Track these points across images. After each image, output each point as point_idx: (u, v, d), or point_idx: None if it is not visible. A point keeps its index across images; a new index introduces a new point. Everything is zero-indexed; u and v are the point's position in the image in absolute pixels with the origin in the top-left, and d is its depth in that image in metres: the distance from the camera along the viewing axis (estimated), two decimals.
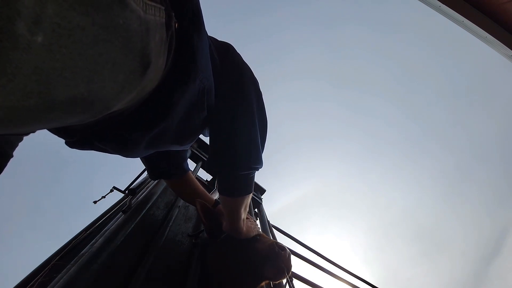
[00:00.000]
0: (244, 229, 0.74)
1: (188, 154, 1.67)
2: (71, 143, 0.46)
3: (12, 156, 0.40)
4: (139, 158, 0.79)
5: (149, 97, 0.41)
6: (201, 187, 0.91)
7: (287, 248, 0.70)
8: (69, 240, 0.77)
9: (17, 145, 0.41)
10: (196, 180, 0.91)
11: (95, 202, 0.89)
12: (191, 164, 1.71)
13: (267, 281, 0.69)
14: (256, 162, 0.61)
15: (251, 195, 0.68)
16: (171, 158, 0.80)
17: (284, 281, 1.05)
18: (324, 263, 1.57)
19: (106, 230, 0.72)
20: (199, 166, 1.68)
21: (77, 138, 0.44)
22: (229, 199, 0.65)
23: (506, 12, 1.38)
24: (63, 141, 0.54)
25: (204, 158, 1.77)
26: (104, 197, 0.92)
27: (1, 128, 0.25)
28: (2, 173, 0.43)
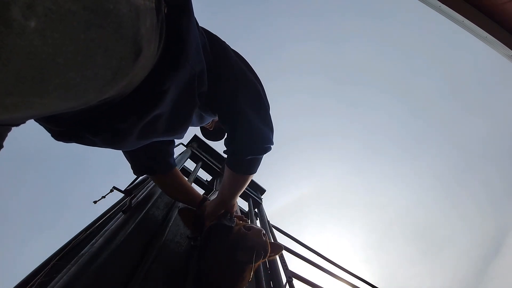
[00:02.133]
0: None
1: (188, 155, 1.67)
2: (58, 134, 0.44)
3: (2, 146, 0.40)
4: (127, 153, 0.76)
5: (140, 84, 0.40)
6: (187, 183, 0.88)
7: (256, 226, 0.68)
8: (69, 240, 0.77)
9: (6, 136, 0.41)
10: (182, 176, 0.88)
11: (95, 202, 0.89)
12: (191, 164, 1.71)
13: (251, 266, 0.67)
14: (269, 142, 0.68)
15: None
16: (156, 153, 0.76)
17: (284, 281, 1.05)
18: (324, 263, 1.58)
19: (106, 230, 0.72)
20: (199, 166, 1.68)
21: (66, 128, 0.43)
22: (242, 177, 0.73)
23: (506, 12, 1.38)
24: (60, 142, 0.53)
25: (204, 158, 1.77)
26: (104, 197, 0.92)
27: None
28: None
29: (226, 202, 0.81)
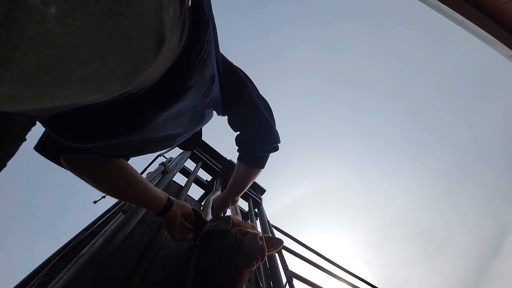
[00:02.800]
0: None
1: (188, 155, 1.67)
2: (81, 133, 0.40)
3: (25, 139, 0.40)
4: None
5: (164, 78, 0.40)
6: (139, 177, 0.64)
7: (252, 230, 0.67)
8: (69, 240, 0.77)
9: (29, 129, 0.40)
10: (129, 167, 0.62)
11: (95, 202, 0.89)
12: (191, 164, 1.71)
13: (249, 269, 0.67)
14: (279, 141, 0.79)
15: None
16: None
17: (284, 281, 1.05)
18: (324, 263, 1.57)
19: (106, 230, 0.72)
20: (199, 166, 1.68)
21: (87, 122, 0.40)
22: (255, 170, 0.83)
23: (506, 12, 1.38)
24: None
25: (204, 158, 1.77)
26: (104, 197, 0.91)
27: (17, 106, 0.24)
28: (6, 167, 0.42)
29: (235, 195, 0.91)
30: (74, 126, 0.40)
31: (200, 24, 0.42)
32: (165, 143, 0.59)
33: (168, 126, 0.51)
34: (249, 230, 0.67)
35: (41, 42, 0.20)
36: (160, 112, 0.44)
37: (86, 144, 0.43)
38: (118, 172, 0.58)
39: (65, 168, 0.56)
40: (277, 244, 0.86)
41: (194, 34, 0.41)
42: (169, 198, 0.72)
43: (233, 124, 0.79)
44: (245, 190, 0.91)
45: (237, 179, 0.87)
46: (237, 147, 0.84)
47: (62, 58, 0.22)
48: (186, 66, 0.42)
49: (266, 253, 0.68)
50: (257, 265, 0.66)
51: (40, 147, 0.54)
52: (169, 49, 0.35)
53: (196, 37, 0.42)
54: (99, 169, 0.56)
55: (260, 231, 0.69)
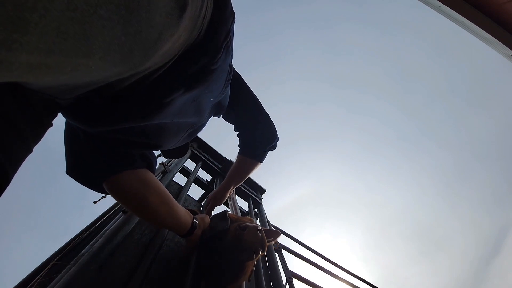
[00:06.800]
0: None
1: (188, 155, 1.67)
2: (97, 111, 0.39)
3: (51, 125, 0.38)
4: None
5: (189, 54, 0.38)
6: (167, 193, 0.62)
7: (250, 224, 0.66)
8: (69, 240, 0.77)
9: (56, 115, 0.38)
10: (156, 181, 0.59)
11: (95, 202, 0.89)
12: (191, 164, 1.71)
13: (250, 263, 0.68)
14: (277, 138, 0.88)
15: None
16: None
17: (284, 281, 1.05)
18: (324, 263, 1.57)
19: (106, 230, 0.72)
20: (199, 166, 1.68)
21: (109, 103, 0.38)
22: (255, 163, 0.91)
23: (506, 12, 1.38)
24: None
25: (204, 158, 1.77)
26: (104, 197, 0.91)
27: (38, 76, 0.22)
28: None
29: (234, 185, 0.98)
30: (96, 107, 0.39)
31: (227, 10, 0.42)
32: (179, 134, 0.57)
33: (184, 110, 0.49)
34: (248, 224, 0.67)
35: (60, 3, 0.18)
36: (183, 94, 0.42)
37: (106, 127, 0.42)
38: (158, 195, 0.57)
39: (103, 192, 0.57)
40: (275, 236, 0.86)
41: (222, 17, 0.40)
42: (192, 223, 0.66)
43: (236, 122, 0.81)
44: (243, 181, 1.00)
45: (238, 170, 0.94)
46: (239, 142, 0.89)
47: (82, 22, 0.20)
48: (215, 46, 0.41)
49: (267, 244, 0.69)
50: (259, 256, 0.68)
51: (76, 171, 0.54)
52: (190, 17, 0.33)
53: (225, 21, 0.41)
54: (131, 187, 0.54)
55: (259, 223, 0.70)
